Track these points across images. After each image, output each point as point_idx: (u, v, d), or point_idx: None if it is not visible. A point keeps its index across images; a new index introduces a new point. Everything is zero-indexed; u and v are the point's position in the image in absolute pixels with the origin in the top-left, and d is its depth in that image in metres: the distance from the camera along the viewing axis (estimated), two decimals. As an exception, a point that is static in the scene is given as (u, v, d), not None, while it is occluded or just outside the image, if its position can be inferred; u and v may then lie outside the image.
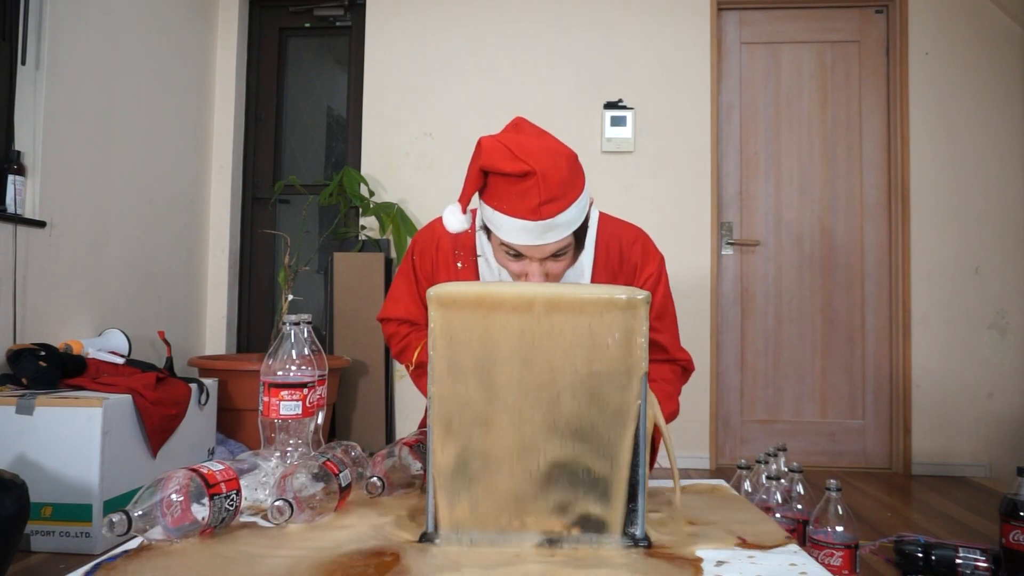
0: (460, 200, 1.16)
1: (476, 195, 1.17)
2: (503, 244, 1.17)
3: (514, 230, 1.11)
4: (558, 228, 1.11)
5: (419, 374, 1.37)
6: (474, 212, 1.27)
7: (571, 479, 0.90)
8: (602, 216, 1.38)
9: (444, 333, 0.91)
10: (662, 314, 1.35)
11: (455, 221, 1.19)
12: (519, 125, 1.16)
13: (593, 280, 1.33)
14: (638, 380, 0.90)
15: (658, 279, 1.35)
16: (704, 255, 3.35)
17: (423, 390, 1.34)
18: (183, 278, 3.35)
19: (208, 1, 3.53)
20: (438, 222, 1.31)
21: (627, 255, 1.34)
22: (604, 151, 3.39)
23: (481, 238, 1.32)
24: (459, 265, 1.34)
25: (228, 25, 3.63)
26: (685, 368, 1.39)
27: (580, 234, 1.19)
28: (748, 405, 3.43)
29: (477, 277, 1.34)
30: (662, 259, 1.37)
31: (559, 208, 1.10)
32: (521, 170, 1.07)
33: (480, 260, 1.33)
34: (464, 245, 1.35)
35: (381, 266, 3.30)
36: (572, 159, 1.13)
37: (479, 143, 1.12)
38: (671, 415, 1.25)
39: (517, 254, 1.17)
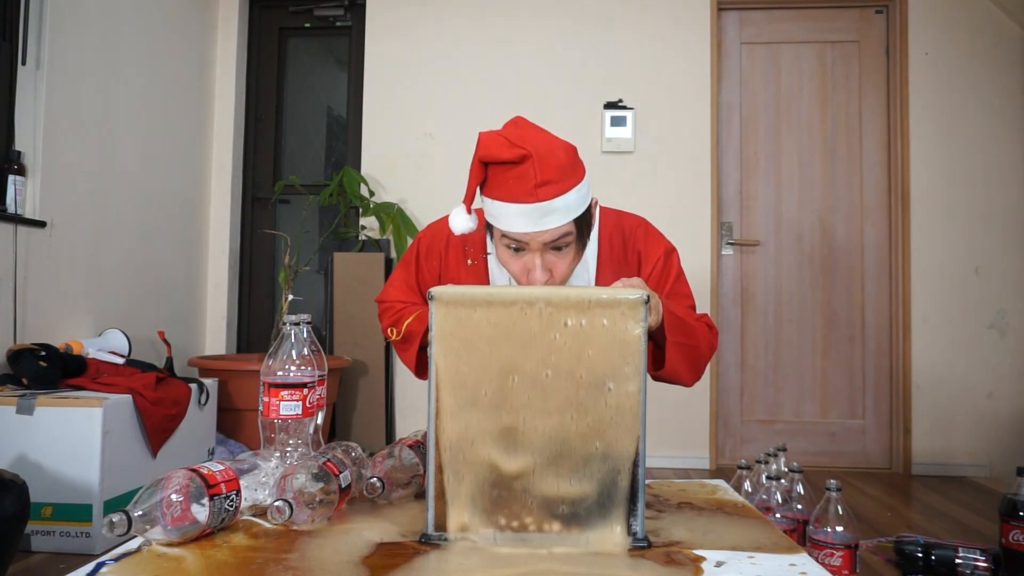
0: (464, 200, 1.16)
1: (481, 195, 1.17)
2: (504, 238, 1.16)
3: (513, 217, 1.11)
4: (556, 213, 1.11)
5: (404, 346, 1.32)
6: (480, 212, 1.26)
7: (571, 479, 0.90)
8: (603, 210, 1.36)
9: (445, 333, 0.91)
10: (672, 295, 1.33)
11: (460, 222, 1.19)
12: (518, 121, 1.17)
13: (599, 272, 1.32)
14: (638, 379, 0.90)
15: (665, 264, 1.33)
16: (704, 255, 3.35)
17: (407, 362, 1.32)
18: (183, 278, 3.35)
19: (208, 1, 3.53)
20: (446, 228, 1.29)
21: (631, 243, 1.33)
22: (604, 151, 3.39)
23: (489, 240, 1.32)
24: (469, 262, 1.34)
25: (228, 25, 3.63)
26: (709, 326, 1.32)
27: (583, 229, 1.18)
28: (748, 405, 3.43)
29: (487, 274, 1.34)
30: (670, 247, 1.35)
31: (556, 191, 1.10)
32: (518, 155, 1.09)
33: (490, 258, 1.32)
34: (475, 243, 1.35)
35: (381, 266, 3.31)
36: (570, 149, 1.14)
37: (479, 138, 1.13)
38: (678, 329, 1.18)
39: (518, 249, 1.16)
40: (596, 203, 1.23)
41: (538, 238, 1.13)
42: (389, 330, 1.37)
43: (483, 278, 1.34)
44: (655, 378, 1.24)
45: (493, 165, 1.12)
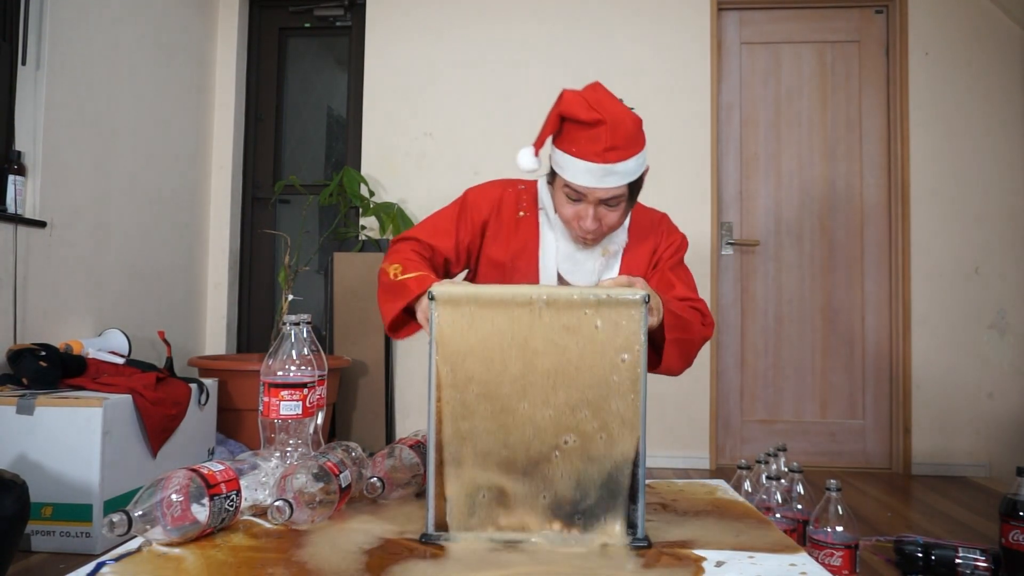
0: (535, 143, 1.31)
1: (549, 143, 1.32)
2: (566, 186, 1.30)
3: (579, 171, 1.26)
4: (616, 175, 1.26)
5: (390, 296, 1.29)
6: (532, 183, 1.45)
7: (571, 479, 0.90)
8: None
9: (446, 332, 0.91)
10: (677, 267, 1.48)
11: (528, 161, 1.33)
12: (596, 87, 1.32)
13: (628, 246, 1.44)
14: (638, 379, 0.90)
15: (679, 246, 1.50)
16: (704, 255, 3.35)
17: (385, 313, 1.28)
18: (183, 278, 3.35)
19: (208, 1, 3.53)
20: (496, 182, 1.49)
21: (656, 227, 1.50)
22: (604, 151, 3.39)
23: (545, 196, 1.43)
24: (521, 214, 1.45)
25: (228, 25, 3.63)
26: (704, 314, 1.39)
27: (634, 192, 1.34)
28: (748, 405, 3.43)
29: (538, 227, 1.43)
30: (684, 237, 1.54)
31: (621, 156, 1.26)
32: (594, 118, 1.24)
33: (541, 212, 1.44)
34: (529, 197, 1.46)
35: (381, 266, 3.30)
36: (637, 121, 1.29)
37: (562, 94, 1.30)
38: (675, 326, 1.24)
39: (576, 198, 1.30)
40: (647, 170, 1.36)
41: (596, 193, 1.28)
42: (391, 269, 1.32)
43: (533, 229, 1.43)
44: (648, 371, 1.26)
45: (570, 122, 1.27)
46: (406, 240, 1.43)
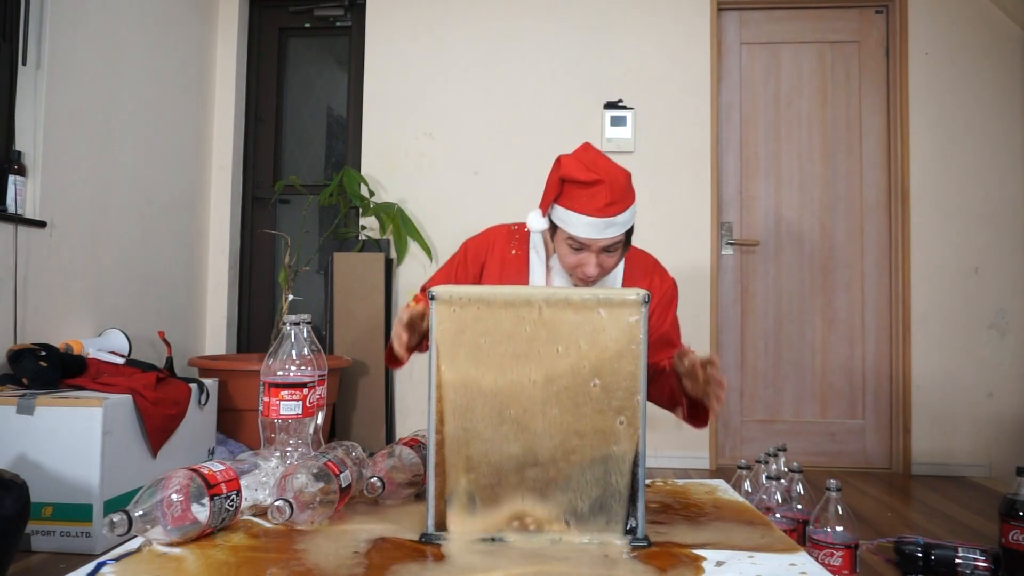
0: (541, 206, 1.48)
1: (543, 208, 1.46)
2: (569, 238, 1.43)
3: (582, 225, 1.40)
4: (615, 226, 1.41)
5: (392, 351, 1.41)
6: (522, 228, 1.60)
7: (571, 478, 0.90)
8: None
9: (446, 333, 0.91)
10: (673, 326, 1.59)
11: (538, 223, 1.49)
12: (588, 148, 1.46)
13: (624, 282, 1.57)
14: (638, 380, 0.90)
15: (672, 296, 1.60)
16: (704, 255, 3.35)
17: (390, 358, 1.41)
18: (183, 278, 3.35)
19: (208, 1, 3.53)
20: (493, 228, 1.66)
21: (648, 271, 1.61)
22: (604, 151, 3.38)
23: (536, 238, 1.59)
24: (513, 252, 1.59)
25: (228, 25, 3.63)
26: None
27: (628, 237, 1.48)
28: (748, 405, 3.43)
29: (527, 263, 1.58)
30: (675, 283, 1.63)
31: (619, 209, 1.40)
32: (592, 178, 1.39)
33: (532, 252, 1.59)
34: (521, 241, 1.61)
35: (381, 266, 3.31)
36: (629, 176, 1.44)
37: (558, 160, 1.44)
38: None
39: (579, 248, 1.43)
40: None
41: (598, 243, 1.42)
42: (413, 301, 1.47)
43: (523, 266, 1.58)
44: (685, 419, 1.45)
45: (570, 183, 1.41)
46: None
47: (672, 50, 3.42)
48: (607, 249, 1.44)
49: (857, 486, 3.00)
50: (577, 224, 1.41)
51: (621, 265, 1.57)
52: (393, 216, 3.28)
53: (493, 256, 1.60)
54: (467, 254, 1.64)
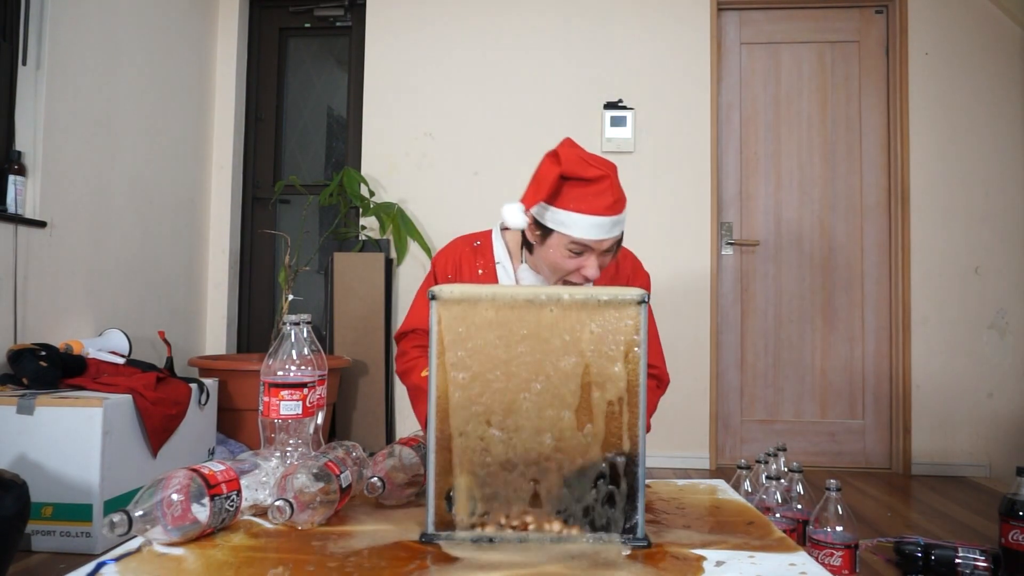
0: (524, 201, 1.33)
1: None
2: (572, 242, 1.32)
3: (588, 226, 1.29)
4: (620, 224, 1.34)
5: (414, 396, 1.49)
6: (487, 234, 1.53)
7: (571, 478, 0.90)
8: None
9: (446, 333, 0.91)
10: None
11: (518, 219, 1.35)
12: (571, 143, 1.35)
13: (596, 283, 1.47)
14: (637, 379, 0.90)
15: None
16: (704, 255, 3.35)
17: (417, 414, 1.46)
18: (183, 278, 3.35)
19: (208, 1, 3.53)
20: (456, 242, 1.55)
21: (622, 267, 1.54)
22: (604, 151, 3.39)
23: (500, 250, 1.50)
24: (480, 272, 1.50)
25: (228, 25, 3.63)
26: (659, 380, 1.52)
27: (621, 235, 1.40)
28: (748, 405, 3.43)
29: (496, 280, 1.50)
30: (648, 277, 1.57)
31: (624, 206, 1.33)
32: (597, 174, 1.29)
33: (498, 267, 1.50)
34: (484, 255, 1.52)
35: (381, 266, 3.31)
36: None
37: (555, 155, 1.31)
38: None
39: (580, 251, 1.33)
40: None
41: (603, 244, 1.33)
42: (406, 383, 1.53)
43: (492, 283, 1.50)
44: None
45: (571, 181, 1.29)
46: (404, 337, 1.57)
47: (672, 50, 3.42)
48: (607, 249, 1.36)
49: (857, 486, 3.00)
50: (583, 226, 1.30)
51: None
52: (393, 216, 3.28)
53: (461, 277, 1.53)
54: (435, 276, 1.57)
